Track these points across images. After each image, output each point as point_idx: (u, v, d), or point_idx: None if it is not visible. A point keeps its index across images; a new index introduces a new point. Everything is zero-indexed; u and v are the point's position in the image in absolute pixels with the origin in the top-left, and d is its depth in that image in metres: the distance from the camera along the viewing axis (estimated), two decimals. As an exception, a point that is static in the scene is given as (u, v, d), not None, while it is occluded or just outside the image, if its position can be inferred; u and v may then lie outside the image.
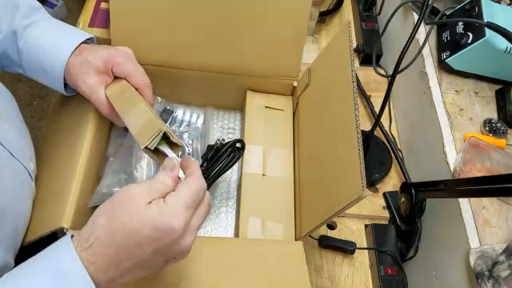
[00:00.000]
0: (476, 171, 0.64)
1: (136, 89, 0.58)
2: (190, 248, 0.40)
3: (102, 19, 0.84)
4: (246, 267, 0.53)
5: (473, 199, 0.62)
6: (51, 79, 0.57)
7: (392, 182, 0.79)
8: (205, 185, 0.42)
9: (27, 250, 0.52)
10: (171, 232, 0.38)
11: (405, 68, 0.73)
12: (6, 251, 0.48)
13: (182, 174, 0.45)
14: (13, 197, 0.49)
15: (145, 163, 0.65)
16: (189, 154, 0.70)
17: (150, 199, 0.39)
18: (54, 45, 0.56)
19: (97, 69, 0.56)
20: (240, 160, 0.68)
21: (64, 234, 0.51)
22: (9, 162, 0.49)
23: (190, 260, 0.52)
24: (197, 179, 0.42)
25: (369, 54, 0.93)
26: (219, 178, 0.67)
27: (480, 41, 0.69)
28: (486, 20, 0.69)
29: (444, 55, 0.75)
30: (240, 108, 0.80)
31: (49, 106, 0.68)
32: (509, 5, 0.77)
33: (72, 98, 0.66)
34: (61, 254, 0.38)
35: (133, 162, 0.64)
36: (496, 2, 0.76)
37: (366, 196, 0.45)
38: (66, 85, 0.59)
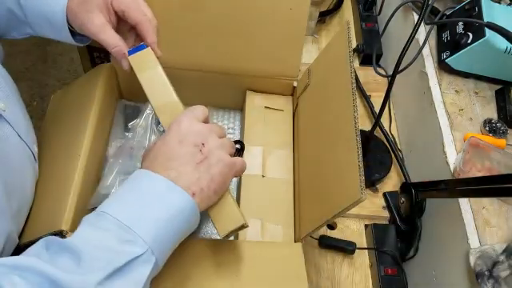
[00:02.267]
0: (476, 171, 0.64)
1: (135, 26, 0.55)
2: (213, 140, 0.47)
3: (102, 19, 0.84)
4: (245, 270, 0.53)
5: (473, 199, 0.62)
6: (57, 29, 0.55)
7: (392, 182, 0.79)
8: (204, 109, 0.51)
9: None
10: (179, 124, 0.47)
11: (405, 68, 0.73)
12: (13, 226, 0.50)
13: None
14: (20, 176, 0.51)
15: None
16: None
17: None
18: None
19: (98, 5, 0.53)
20: (240, 160, 0.67)
21: (63, 236, 0.51)
22: (17, 143, 0.51)
23: (189, 262, 0.52)
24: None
25: (369, 54, 0.93)
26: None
27: (480, 41, 0.69)
28: (486, 20, 0.69)
29: (444, 55, 0.75)
30: (240, 108, 0.80)
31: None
32: (509, 5, 0.77)
33: (71, 97, 0.66)
34: (142, 178, 0.45)
35: (132, 163, 0.64)
36: (496, 2, 0.76)
37: (364, 199, 0.45)
38: (73, 35, 0.57)
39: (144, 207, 0.42)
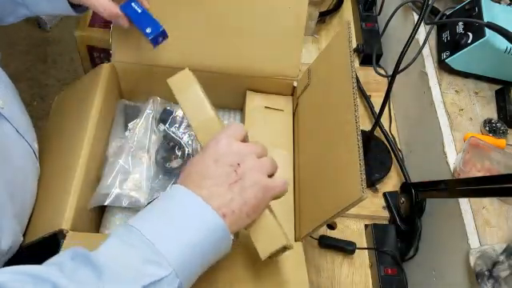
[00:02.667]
0: (476, 171, 0.64)
1: None
2: (254, 165, 0.45)
3: (102, 19, 0.84)
4: (245, 270, 0.53)
5: (473, 199, 0.62)
6: (55, 2, 0.56)
7: (392, 182, 0.79)
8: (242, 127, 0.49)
9: (27, 252, 0.52)
10: (216, 143, 0.46)
11: (405, 68, 0.73)
12: (17, 225, 0.50)
13: None
14: (22, 174, 0.51)
15: (144, 164, 0.65)
16: (189, 154, 0.70)
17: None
18: None
19: None
20: (240, 160, 0.67)
21: (64, 235, 0.51)
22: (16, 140, 0.51)
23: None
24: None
25: (369, 54, 0.93)
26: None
27: (480, 41, 0.69)
28: (486, 20, 0.69)
29: (444, 55, 0.75)
30: (240, 108, 0.80)
31: (49, 106, 0.68)
32: (509, 5, 0.77)
33: (72, 97, 0.66)
34: (173, 195, 0.44)
35: (133, 162, 0.64)
36: (496, 2, 0.76)
37: (365, 198, 0.45)
38: (73, 7, 0.57)
39: (173, 226, 0.41)
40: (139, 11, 0.57)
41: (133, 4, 0.57)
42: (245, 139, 0.48)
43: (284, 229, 0.47)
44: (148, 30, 0.57)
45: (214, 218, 0.41)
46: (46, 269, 0.36)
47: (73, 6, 0.57)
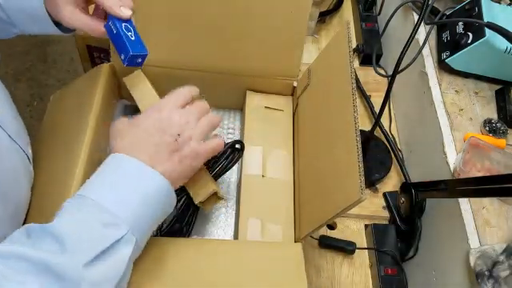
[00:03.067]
0: (476, 171, 0.64)
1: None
2: (186, 123, 0.50)
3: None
4: (245, 270, 0.53)
5: (473, 199, 0.62)
6: (40, 23, 0.55)
7: (392, 182, 0.79)
8: (191, 87, 0.55)
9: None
10: (159, 111, 0.50)
11: (405, 68, 0.73)
12: (9, 229, 0.49)
13: None
14: (14, 178, 0.50)
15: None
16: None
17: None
18: None
19: None
20: (240, 161, 0.67)
21: None
22: (8, 145, 0.50)
23: (189, 261, 0.52)
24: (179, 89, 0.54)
25: (369, 54, 0.93)
26: (219, 179, 0.67)
27: (480, 41, 0.69)
28: (486, 20, 0.69)
29: (444, 55, 0.75)
30: (240, 108, 0.80)
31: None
32: (509, 5, 0.77)
33: (71, 97, 0.66)
34: (118, 161, 0.47)
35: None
36: (496, 2, 0.76)
37: (364, 199, 0.45)
38: (59, 27, 0.57)
39: (123, 190, 0.45)
40: (114, 32, 0.53)
41: (110, 23, 0.53)
42: (189, 100, 0.53)
43: (214, 181, 0.58)
44: (122, 57, 0.53)
45: (160, 180, 0.46)
46: (8, 247, 0.38)
47: (60, 26, 0.56)
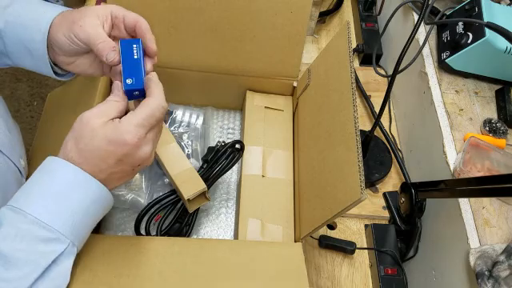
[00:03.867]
0: (476, 171, 0.64)
1: (135, 23, 0.52)
2: (151, 155, 0.47)
3: (102, 19, 0.84)
4: (245, 269, 0.53)
5: (473, 199, 0.62)
6: (36, 59, 0.53)
7: (392, 182, 0.79)
8: (163, 103, 0.47)
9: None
10: (125, 144, 0.43)
11: (405, 68, 0.73)
12: None
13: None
14: (1, 193, 0.49)
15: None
16: (188, 154, 0.70)
17: (105, 119, 0.44)
18: (33, 19, 0.52)
19: (95, 10, 0.50)
20: (240, 161, 0.68)
21: None
22: None
23: (190, 261, 0.52)
24: (154, 99, 0.46)
25: (369, 54, 0.93)
26: (219, 179, 0.67)
27: (480, 41, 0.69)
28: (486, 20, 0.69)
29: (444, 55, 0.75)
30: (240, 108, 0.80)
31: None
32: (509, 5, 0.77)
33: (70, 96, 0.66)
34: (56, 170, 0.44)
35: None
36: (496, 2, 0.76)
37: (364, 199, 0.45)
38: (56, 72, 0.56)
39: (63, 201, 0.43)
40: (135, 57, 0.50)
41: (134, 46, 0.50)
42: (157, 120, 0.46)
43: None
44: (128, 81, 0.48)
45: (102, 191, 0.45)
46: None
47: (55, 69, 0.55)
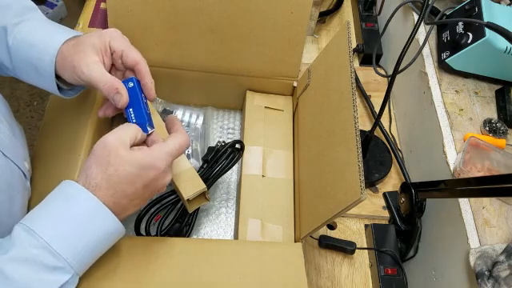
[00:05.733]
0: (476, 171, 0.64)
1: (134, 65, 0.53)
2: (169, 181, 0.49)
3: (102, 19, 0.84)
4: (245, 270, 0.53)
5: (473, 199, 0.62)
6: (43, 77, 0.54)
7: (392, 182, 0.79)
8: (188, 140, 0.51)
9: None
10: (156, 169, 0.46)
11: (405, 68, 0.73)
12: None
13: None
14: (6, 197, 0.49)
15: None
16: (188, 154, 0.70)
17: (129, 143, 0.46)
18: (43, 39, 0.53)
19: (93, 45, 0.51)
20: (240, 161, 0.68)
21: None
22: (0, 162, 0.49)
23: (190, 261, 0.52)
24: (182, 134, 0.50)
25: (369, 54, 0.93)
26: (219, 179, 0.67)
27: (480, 41, 0.69)
28: (486, 20, 0.69)
29: (444, 55, 0.75)
30: (240, 108, 0.80)
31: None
32: (509, 5, 0.77)
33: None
34: (77, 198, 0.44)
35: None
36: (496, 2, 0.76)
37: (364, 199, 0.45)
38: (60, 88, 0.56)
39: (77, 230, 0.43)
40: (144, 101, 0.53)
41: (130, 84, 0.53)
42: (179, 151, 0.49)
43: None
44: (134, 121, 0.52)
45: (116, 223, 0.45)
46: None
47: (61, 87, 0.56)
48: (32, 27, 0.54)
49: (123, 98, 0.51)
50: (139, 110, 0.52)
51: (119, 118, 0.61)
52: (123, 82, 0.52)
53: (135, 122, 0.51)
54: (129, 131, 0.48)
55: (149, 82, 0.54)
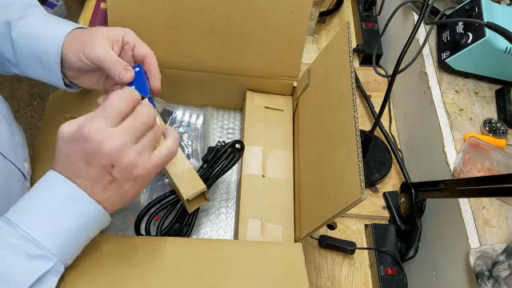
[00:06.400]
0: (476, 171, 0.64)
1: (144, 57, 0.54)
2: (122, 151, 0.41)
3: (102, 19, 0.84)
4: (245, 269, 0.53)
5: (473, 199, 0.62)
6: (47, 69, 0.54)
7: (392, 182, 0.79)
8: (153, 113, 0.44)
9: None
10: (84, 140, 0.40)
11: (405, 68, 0.73)
12: None
13: None
14: (5, 198, 0.49)
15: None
16: (188, 154, 0.70)
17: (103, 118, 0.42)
18: (47, 32, 0.53)
19: (104, 34, 0.51)
20: (240, 161, 0.68)
21: None
22: (0, 164, 0.49)
23: (190, 261, 0.52)
24: (116, 93, 0.44)
25: (369, 54, 0.93)
26: (219, 179, 0.67)
27: (480, 41, 0.69)
28: (486, 20, 0.69)
29: (444, 55, 0.75)
30: (240, 108, 0.80)
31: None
32: (509, 5, 0.77)
33: (71, 95, 0.66)
34: (49, 182, 0.43)
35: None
36: (496, 2, 0.76)
37: (364, 199, 0.45)
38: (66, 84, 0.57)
39: (57, 219, 0.42)
40: (148, 88, 0.54)
41: (137, 69, 0.53)
42: (125, 114, 0.43)
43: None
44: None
45: (99, 211, 0.43)
46: None
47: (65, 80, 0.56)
48: (35, 21, 0.54)
49: (130, 73, 0.50)
50: (144, 92, 0.52)
51: None
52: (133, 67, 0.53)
53: None
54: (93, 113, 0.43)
55: (156, 73, 0.54)
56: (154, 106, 0.52)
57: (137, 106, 0.44)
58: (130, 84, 0.52)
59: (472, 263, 0.56)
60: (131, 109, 0.43)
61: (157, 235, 0.61)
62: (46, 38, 0.52)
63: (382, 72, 0.90)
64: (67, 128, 0.42)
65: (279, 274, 0.53)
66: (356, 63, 0.95)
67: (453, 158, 0.67)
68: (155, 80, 0.54)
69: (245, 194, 0.64)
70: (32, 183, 0.56)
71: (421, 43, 0.76)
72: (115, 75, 0.50)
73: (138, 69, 0.54)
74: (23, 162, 0.54)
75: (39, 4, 0.58)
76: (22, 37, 0.53)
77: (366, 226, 0.75)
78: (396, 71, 0.66)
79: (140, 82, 0.53)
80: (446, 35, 0.77)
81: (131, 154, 0.42)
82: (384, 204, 0.76)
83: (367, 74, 0.92)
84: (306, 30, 0.67)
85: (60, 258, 0.42)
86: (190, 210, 0.59)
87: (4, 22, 0.53)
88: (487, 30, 0.68)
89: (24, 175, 0.53)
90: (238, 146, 0.66)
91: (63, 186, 0.42)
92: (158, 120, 0.58)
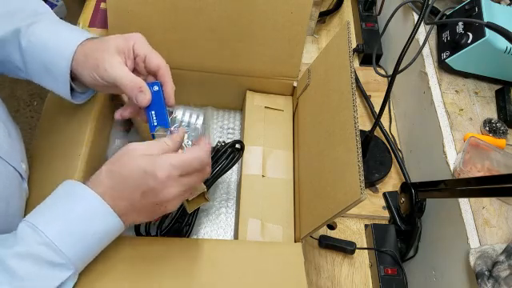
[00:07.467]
0: (476, 171, 0.64)
1: (157, 70, 0.53)
2: (175, 199, 0.46)
3: (102, 19, 0.84)
4: (245, 270, 0.53)
5: (473, 199, 0.62)
6: (55, 79, 0.54)
7: (392, 182, 0.79)
8: (203, 157, 0.47)
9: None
10: (154, 178, 0.44)
11: (405, 68, 0.73)
12: None
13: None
14: (2, 199, 0.49)
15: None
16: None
17: (148, 153, 0.45)
18: (57, 43, 0.52)
19: (117, 46, 0.51)
20: (240, 161, 0.68)
21: None
22: None
23: (190, 261, 0.52)
24: (198, 150, 0.47)
25: (369, 54, 0.93)
26: (219, 179, 0.67)
27: (480, 41, 0.69)
28: (486, 20, 0.69)
29: (444, 55, 0.75)
30: (240, 108, 0.80)
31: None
32: (509, 5, 0.77)
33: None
34: (79, 195, 0.45)
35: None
36: (496, 2, 0.76)
37: (364, 199, 0.45)
38: (72, 92, 0.56)
39: (82, 229, 0.44)
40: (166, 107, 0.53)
41: (155, 87, 0.52)
42: (189, 173, 0.47)
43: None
44: (155, 123, 0.52)
45: (120, 226, 0.46)
46: None
47: (72, 91, 0.56)
48: (45, 29, 0.54)
49: (146, 97, 0.50)
50: (162, 113, 0.51)
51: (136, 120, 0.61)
52: (148, 84, 0.51)
53: (156, 125, 0.51)
54: (156, 143, 0.47)
55: (170, 88, 0.53)
56: (169, 119, 0.52)
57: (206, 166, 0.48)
58: (148, 107, 0.51)
59: (472, 263, 0.56)
60: (202, 169, 0.48)
61: (157, 235, 0.61)
62: (55, 50, 0.52)
63: (382, 72, 0.90)
64: (142, 152, 0.45)
65: (279, 274, 0.53)
66: (356, 63, 0.95)
67: (453, 158, 0.67)
68: (168, 96, 0.53)
69: (245, 194, 0.64)
70: (29, 183, 0.56)
71: (421, 43, 0.76)
72: (132, 98, 0.51)
73: (156, 88, 0.52)
74: (20, 162, 0.54)
75: (50, 10, 0.58)
76: (32, 46, 0.53)
77: (366, 226, 0.75)
78: (396, 71, 0.66)
79: (158, 106, 0.52)
80: (446, 35, 0.77)
81: (177, 200, 0.47)
82: (384, 204, 0.76)
83: (367, 74, 0.92)
84: (305, 29, 0.67)
85: (78, 267, 0.44)
86: (190, 210, 0.59)
87: (13, 29, 0.53)
88: (487, 30, 0.68)
89: (21, 175, 0.53)
90: (238, 145, 0.66)
91: (90, 197, 0.44)
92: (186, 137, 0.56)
